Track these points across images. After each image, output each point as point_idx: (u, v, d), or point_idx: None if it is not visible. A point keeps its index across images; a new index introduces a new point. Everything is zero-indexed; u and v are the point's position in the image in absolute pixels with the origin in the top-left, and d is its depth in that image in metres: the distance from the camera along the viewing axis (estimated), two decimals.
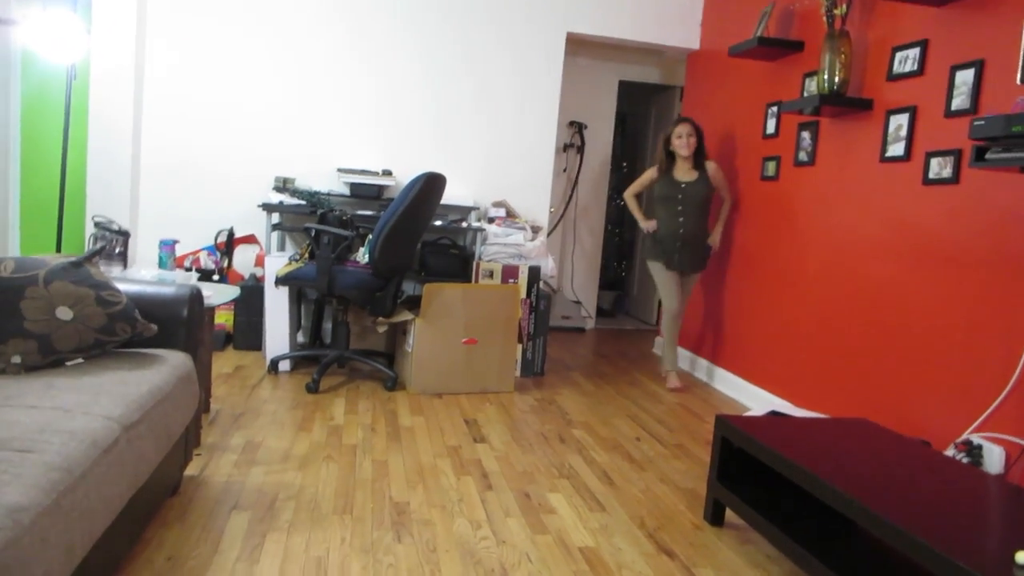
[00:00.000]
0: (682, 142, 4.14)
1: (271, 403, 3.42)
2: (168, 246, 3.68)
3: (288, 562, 2.01)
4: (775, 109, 4.07)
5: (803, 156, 3.77)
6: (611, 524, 2.42)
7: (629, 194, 4.35)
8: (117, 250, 3.14)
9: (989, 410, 2.60)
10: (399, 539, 2.20)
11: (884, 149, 3.18)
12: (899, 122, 3.10)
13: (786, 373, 3.83)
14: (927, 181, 2.93)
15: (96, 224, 3.20)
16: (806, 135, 3.75)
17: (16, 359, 1.94)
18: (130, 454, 1.67)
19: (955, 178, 2.80)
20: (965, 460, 2.58)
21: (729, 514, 2.54)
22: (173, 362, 2.15)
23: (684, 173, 4.19)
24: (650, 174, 4.30)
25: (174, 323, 2.30)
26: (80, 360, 2.06)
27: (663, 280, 4.23)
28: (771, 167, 4.06)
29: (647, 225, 4.26)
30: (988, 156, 2.22)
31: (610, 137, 6.34)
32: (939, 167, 2.87)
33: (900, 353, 3.04)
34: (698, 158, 4.19)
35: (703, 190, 4.16)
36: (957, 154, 2.79)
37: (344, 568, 2.00)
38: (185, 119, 4.59)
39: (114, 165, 4.43)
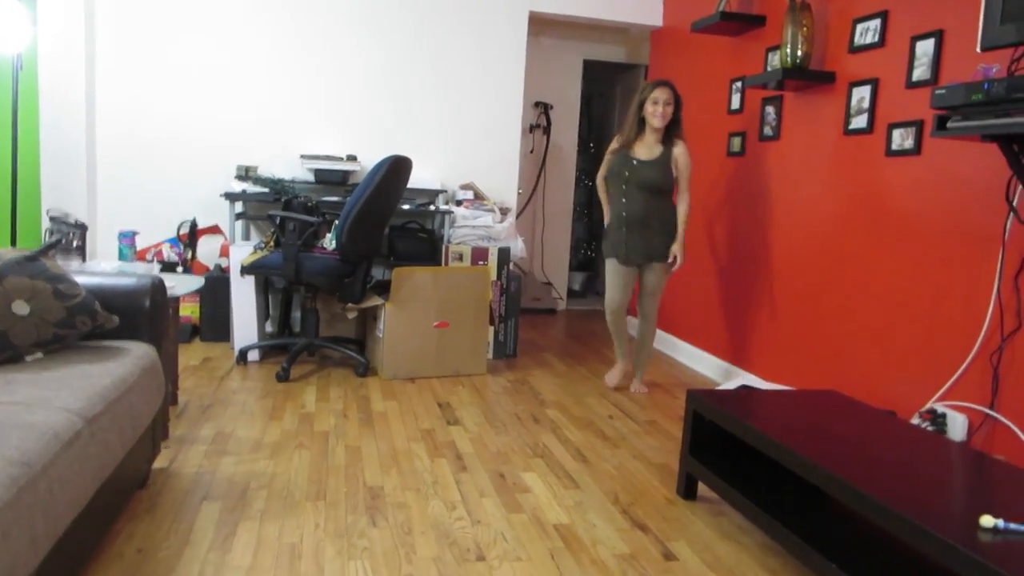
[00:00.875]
0: (657, 110, 3.47)
1: (240, 393, 3.38)
2: (128, 238, 3.60)
3: (261, 550, 1.99)
4: (739, 84, 4.09)
5: (768, 131, 3.80)
6: (585, 501, 2.44)
7: (599, 178, 3.79)
8: (75, 244, 3.06)
9: (952, 379, 2.65)
10: (374, 523, 2.19)
11: (847, 122, 3.21)
12: (861, 94, 3.13)
13: (754, 348, 3.87)
14: (890, 152, 2.97)
15: (51, 218, 3.12)
16: (770, 110, 3.77)
17: None
18: (94, 447, 1.64)
19: (917, 149, 2.83)
20: (930, 428, 2.64)
21: (701, 488, 2.56)
22: (136, 353, 2.11)
23: (644, 150, 3.54)
24: (611, 146, 3.70)
25: (136, 314, 2.25)
26: (39, 355, 2.01)
27: (608, 272, 3.67)
28: (737, 143, 4.08)
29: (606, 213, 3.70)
30: (949, 125, 2.25)
31: (576, 118, 6.33)
32: (901, 138, 2.91)
33: (866, 325, 3.09)
34: (669, 133, 3.55)
35: (658, 175, 3.48)
36: (919, 125, 2.83)
37: (319, 553, 1.99)
38: (141, 108, 4.48)
39: (68, 157, 4.32)
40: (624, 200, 3.55)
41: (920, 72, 2.82)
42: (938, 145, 2.75)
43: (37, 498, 1.33)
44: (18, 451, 1.35)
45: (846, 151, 3.24)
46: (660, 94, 3.49)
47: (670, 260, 3.57)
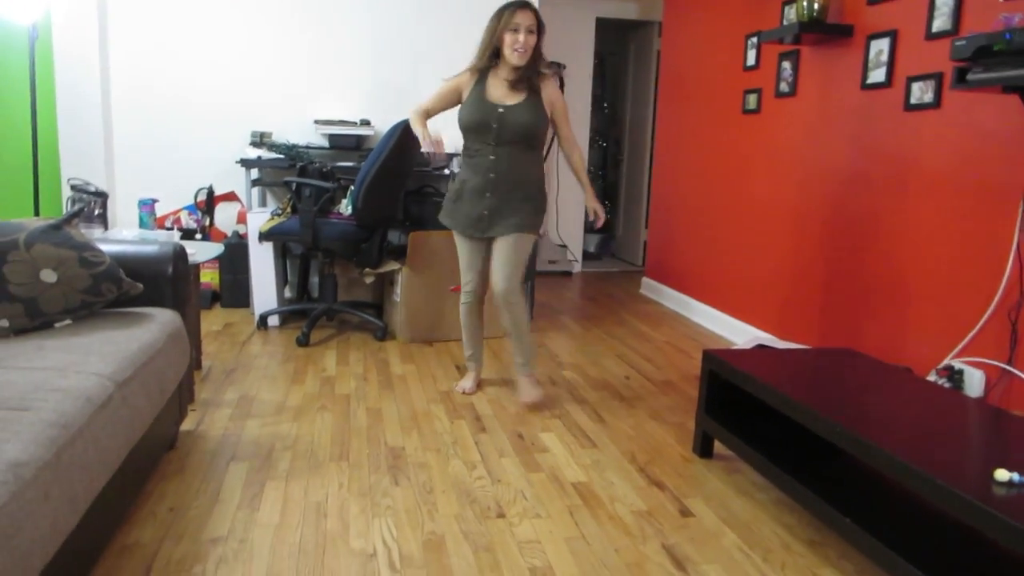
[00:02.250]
0: (518, 40, 2.71)
1: (262, 358, 3.44)
2: (147, 205, 3.64)
3: (288, 508, 2.05)
4: (755, 40, 4.03)
5: (784, 87, 3.75)
6: (603, 460, 2.48)
7: (416, 112, 2.87)
8: (96, 212, 3.10)
9: (970, 335, 2.65)
10: (396, 482, 2.25)
11: (865, 76, 3.17)
12: (880, 47, 3.08)
13: (770, 306, 3.88)
14: (908, 107, 2.93)
15: (72, 187, 3.15)
16: (787, 65, 3.72)
17: (4, 323, 1.94)
18: (125, 410, 1.69)
19: (936, 102, 2.80)
20: (947, 385, 2.65)
21: (717, 447, 2.60)
22: (161, 319, 2.16)
23: (505, 92, 2.77)
24: (455, 83, 2.87)
25: (159, 281, 2.29)
26: (68, 321, 2.06)
27: (461, 251, 2.97)
28: (752, 100, 4.03)
29: (428, 143, 2.75)
30: (969, 77, 2.22)
31: (590, 77, 6.27)
32: (920, 92, 2.87)
33: (883, 282, 3.08)
34: (531, 71, 2.77)
35: (533, 123, 2.76)
36: (938, 77, 2.79)
37: (343, 511, 2.05)
38: (155, 76, 4.49)
39: (85, 126, 4.34)
40: (493, 158, 2.77)
41: (940, 23, 2.77)
42: (958, 98, 2.72)
43: (74, 459, 1.38)
44: (55, 413, 1.40)
45: (864, 106, 3.20)
46: (523, 19, 2.70)
47: (592, 218, 3.00)
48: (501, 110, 2.74)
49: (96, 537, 1.61)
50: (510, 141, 2.76)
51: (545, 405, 2.98)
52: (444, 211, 2.96)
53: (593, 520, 2.06)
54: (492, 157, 2.77)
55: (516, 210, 2.82)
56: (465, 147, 2.87)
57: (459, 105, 2.86)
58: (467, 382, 3.13)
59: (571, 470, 2.39)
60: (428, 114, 2.86)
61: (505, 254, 2.83)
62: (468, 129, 2.80)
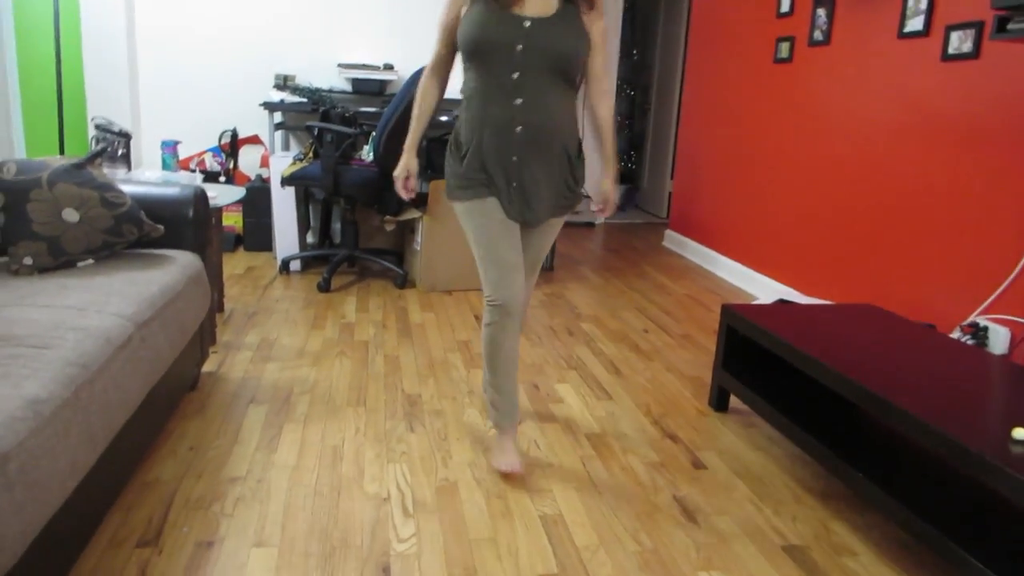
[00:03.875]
0: None
1: (283, 302, 3.47)
2: (170, 147, 3.65)
3: (305, 450, 2.09)
4: None
5: (818, 35, 3.63)
6: (617, 412, 2.49)
7: (430, 68, 2.09)
8: (120, 152, 3.11)
9: (997, 292, 2.60)
10: (411, 428, 2.27)
11: (902, 24, 3.05)
12: None
13: (794, 261, 3.82)
14: (946, 57, 2.82)
15: (96, 126, 3.16)
16: (821, 12, 3.59)
17: (28, 260, 1.96)
18: (144, 351, 1.71)
19: (975, 53, 2.69)
20: (970, 342, 2.61)
21: (733, 401, 2.59)
22: (182, 262, 2.17)
23: (533, 2, 1.88)
24: (458, 1, 1.97)
25: (181, 223, 2.30)
26: (90, 261, 2.08)
27: (482, 232, 1.96)
28: (784, 48, 3.91)
29: (406, 186, 2.11)
30: (1010, 27, 2.12)
31: (619, 23, 6.11)
32: (959, 41, 2.76)
33: (910, 237, 3.02)
34: None
35: (574, 39, 1.89)
36: (979, 27, 2.67)
37: (359, 455, 2.08)
38: (180, 15, 4.44)
39: (111, 66, 4.33)
40: (519, 101, 1.87)
41: None
42: (998, 48, 2.61)
43: (93, 397, 1.41)
44: (74, 352, 1.42)
45: (900, 56, 3.08)
46: None
47: (596, 208, 2.11)
48: (528, 24, 1.83)
49: (116, 474, 1.65)
50: (541, 72, 1.86)
51: (523, 478, 2.02)
52: (450, 183, 2.00)
53: (605, 471, 2.08)
54: (518, 100, 1.87)
55: (553, 181, 1.97)
56: (469, 87, 1.95)
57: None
58: (509, 456, 2.02)
59: (585, 421, 2.40)
60: (445, 66, 2.06)
61: (535, 249, 2.08)
62: (475, 55, 1.88)
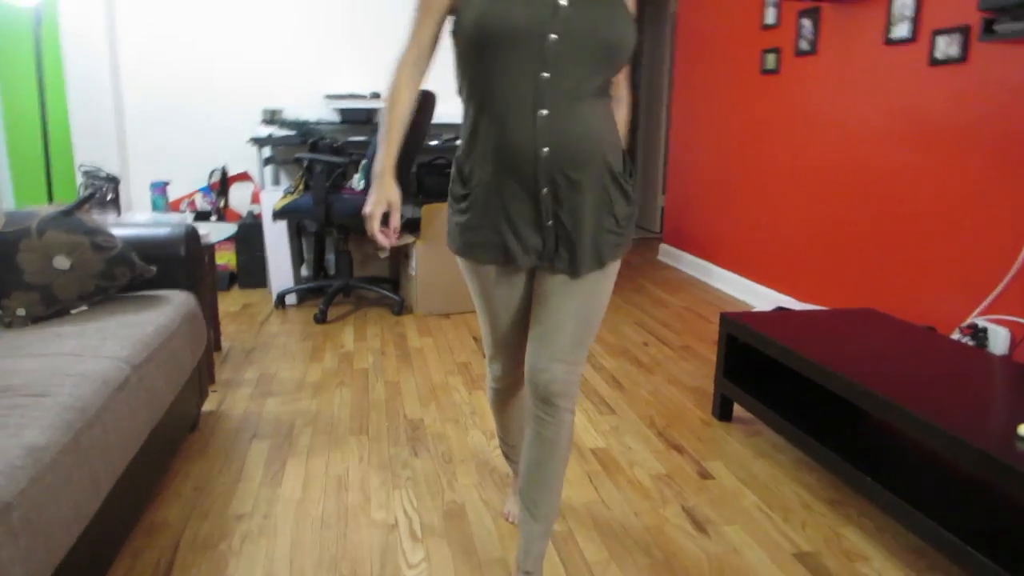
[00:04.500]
0: None
1: (281, 336, 3.47)
2: (159, 188, 3.66)
3: (310, 483, 2.07)
4: None
5: (804, 45, 3.66)
6: (621, 425, 2.48)
7: (403, 64, 1.54)
8: (109, 196, 3.12)
9: (995, 293, 2.60)
10: (416, 453, 2.26)
11: (888, 30, 3.08)
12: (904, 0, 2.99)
13: (789, 270, 3.83)
14: (933, 62, 2.85)
15: (84, 172, 3.17)
16: (807, 23, 3.63)
17: (21, 311, 1.96)
18: (142, 392, 1.71)
19: (963, 56, 2.71)
20: (971, 343, 2.61)
21: (736, 410, 2.59)
22: (176, 301, 2.17)
23: None
24: None
25: (173, 263, 2.30)
26: (84, 307, 2.08)
27: (483, 301, 1.59)
28: (771, 60, 3.95)
29: (386, 237, 1.53)
30: (996, 28, 2.14)
31: None
32: (946, 46, 2.78)
33: (905, 242, 3.03)
34: None
35: (621, 25, 1.40)
36: (965, 31, 2.70)
37: (364, 483, 2.07)
38: (164, 56, 4.48)
39: (96, 110, 4.35)
40: (546, 112, 1.40)
41: None
42: (985, 51, 2.63)
43: (93, 441, 1.40)
44: (72, 397, 1.42)
45: (887, 62, 3.11)
46: None
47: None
48: (564, 4, 1.36)
49: (122, 517, 1.64)
50: (579, 70, 1.38)
51: None
52: (452, 231, 1.54)
53: (612, 485, 2.07)
54: (543, 111, 1.38)
55: (597, 216, 1.47)
56: (473, 102, 1.46)
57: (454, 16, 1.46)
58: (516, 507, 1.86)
59: (590, 436, 2.39)
60: (424, 61, 1.55)
61: (574, 307, 1.48)
62: (488, 50, 1.38)
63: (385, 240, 1.49)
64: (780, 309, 3.24)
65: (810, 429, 2.04)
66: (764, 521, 1.89)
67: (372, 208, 1.45)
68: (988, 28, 2.17)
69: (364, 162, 3.79)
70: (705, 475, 2.14)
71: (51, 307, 2.00)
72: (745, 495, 2.02)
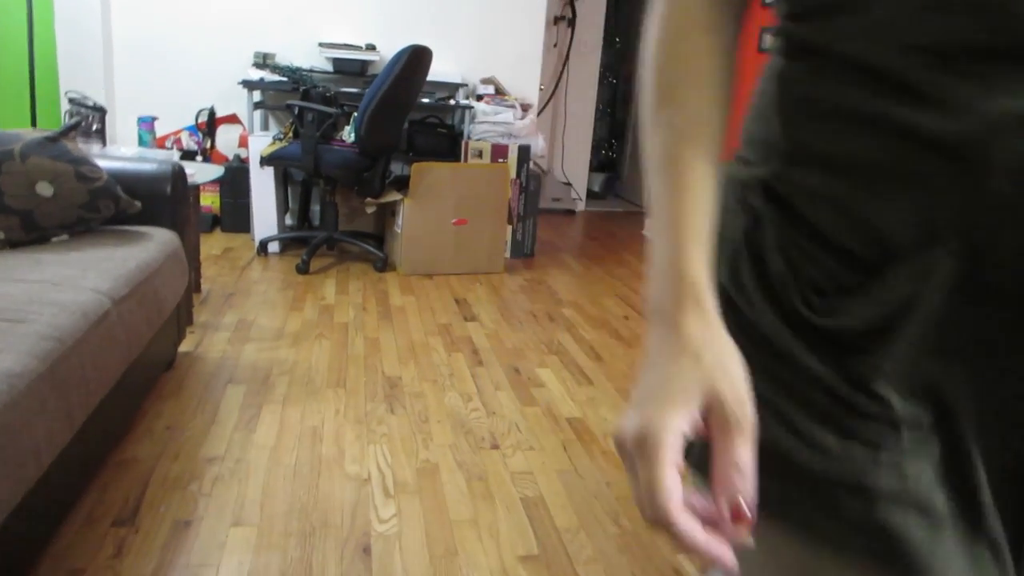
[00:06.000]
0: None
1: (261, 283, 3.43)
2: (147, 123, 3.58)
3: (284, 431, 2.07)
4: None
5: None
6: (598, 396, 2.49)
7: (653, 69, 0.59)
8: (94, 127, 3.05)
9: None
10: (392, 410, 2.26)
11: None
12: None
13: None
14: None
15: (70, 100, 3.09)
16: None
17: (0, 234, 1.91)
18: (121, 327, 1.68)
19: None
20: None
21: None
22: (160, 239, 2.13)
23: None
24: None
25: (158, 200, 2.26)
26: (65, 237, 2.04)
27: None
28: (769, 38, 3.92)
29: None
30: None
31: (603, 9, 6.09)
32: None
33: None
34: None
35: None
36: None
37: (339, 436, 2.07)
38: None
39: (85, 38, 4.23)
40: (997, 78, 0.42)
41: None
42: None
43: (70, 373, 1.38)
44: (50, 327, 1.39)
45: None
46: None
47: None
48: None
49: (93, 451, 1.62)
50: None
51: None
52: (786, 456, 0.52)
53: (586, 454, 2.08)
54: (1005, 100, 0.43)
55: None
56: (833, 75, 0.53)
57: None
58: None
59: (566, 405, 2.40)
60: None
61: None
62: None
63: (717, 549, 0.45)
64: None
65: None
66: None
67: (664, 420, 0.45)
68: None
69: (355, 115, 3.73)
70: None
71: (31, 233, 1.95)
72: None
